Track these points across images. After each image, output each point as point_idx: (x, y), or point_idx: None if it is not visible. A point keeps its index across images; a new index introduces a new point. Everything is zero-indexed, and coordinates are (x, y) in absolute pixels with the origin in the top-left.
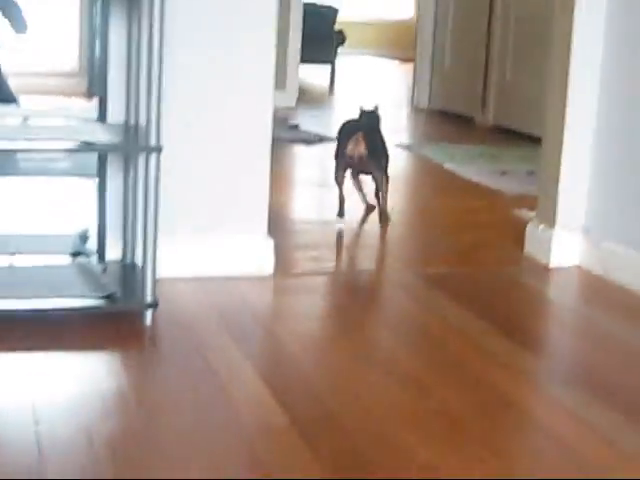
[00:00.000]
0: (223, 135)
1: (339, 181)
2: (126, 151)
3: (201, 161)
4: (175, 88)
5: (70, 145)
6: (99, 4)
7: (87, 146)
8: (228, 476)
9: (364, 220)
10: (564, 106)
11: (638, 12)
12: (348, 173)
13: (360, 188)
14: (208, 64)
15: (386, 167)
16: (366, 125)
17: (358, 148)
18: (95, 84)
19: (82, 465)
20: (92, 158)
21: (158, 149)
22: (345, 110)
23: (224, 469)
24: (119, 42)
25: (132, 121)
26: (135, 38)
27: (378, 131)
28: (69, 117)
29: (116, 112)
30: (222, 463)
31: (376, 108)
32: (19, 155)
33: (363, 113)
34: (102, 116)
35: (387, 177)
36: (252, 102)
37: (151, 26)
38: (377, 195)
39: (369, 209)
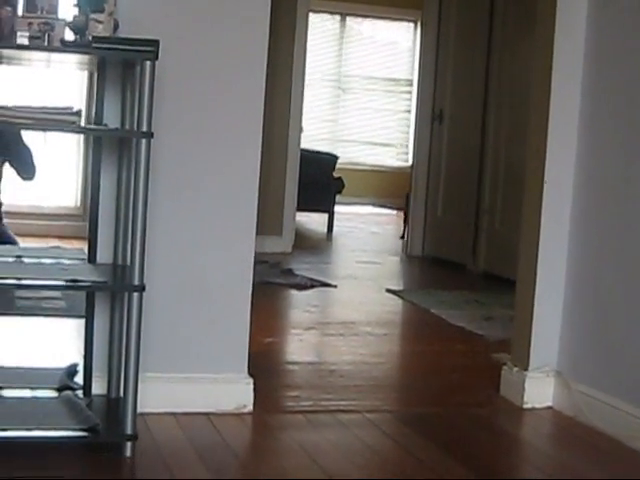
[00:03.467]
0: (204, 276)
1: None
2: (110, 290)
3: (183, 301)
4: (160, 230)
5: (58, 283)
6: (90, 150)
7: (74, 284)
8: None
9: None
10: (536, 253)
11: (602, 155)
12: None
13: None
14: (192, 207)
15: None
16: None
17: None
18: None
19: None
20: (82, 298)
21: (141, 288)
22: (342, 257)
23: None
24: (110, 186)
25: (120, 262)
26: (124, 183)
27: None
28: (60, 257)
29: (105, 253)
30: None
31: None
32: (14, 294)
33: None
34: (92, 257)
35: None
36: (233, 245)
37: (137, 172)
38: None
39: None
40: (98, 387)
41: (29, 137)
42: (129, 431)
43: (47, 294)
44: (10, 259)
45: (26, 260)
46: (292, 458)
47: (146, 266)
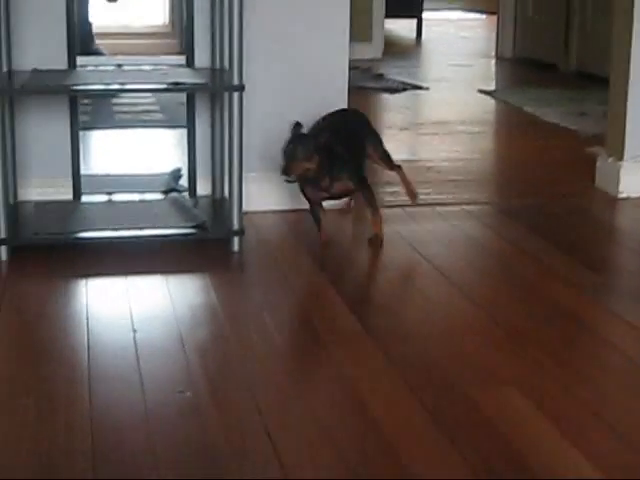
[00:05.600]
0: (302, 75)
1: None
2: (211, 91)
3: (281, 101)
4: (257, 33)
5: (160, 86)
6: None
7: (176, 86)
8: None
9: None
10: (629, 44)
11: None
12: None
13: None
14: (288, 12)
15: (363, 174)
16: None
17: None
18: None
19: (174, 366)
20: (181, 108)
21: (241, 87)
22: (432, 61)
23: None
24: None
25: (217, 65)
26: None
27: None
28: (159, 64)
29: (203, 58)
30: (299, 358)
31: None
32: (112, 109)
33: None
34: (190, 63)
35: (369, 187)
36: (329, 48)
37: None
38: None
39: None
40: (202, 189)
41: None
42: (236, 227)
43: (145, 107)
44: (111, 67)
45: (126, 68)
46: (394, 248)
47: (244, 69)
